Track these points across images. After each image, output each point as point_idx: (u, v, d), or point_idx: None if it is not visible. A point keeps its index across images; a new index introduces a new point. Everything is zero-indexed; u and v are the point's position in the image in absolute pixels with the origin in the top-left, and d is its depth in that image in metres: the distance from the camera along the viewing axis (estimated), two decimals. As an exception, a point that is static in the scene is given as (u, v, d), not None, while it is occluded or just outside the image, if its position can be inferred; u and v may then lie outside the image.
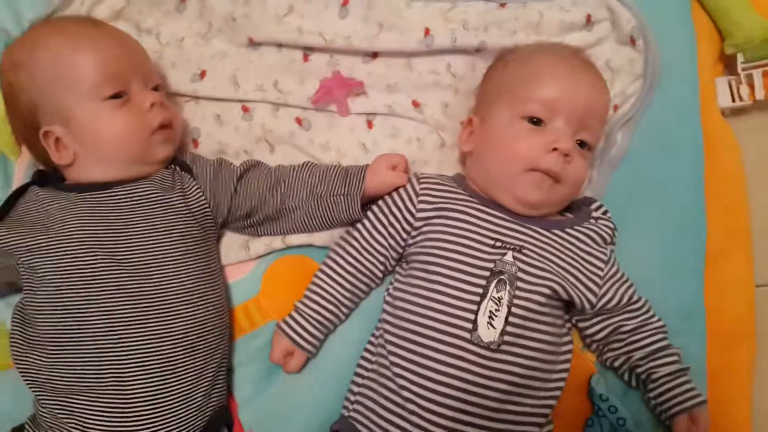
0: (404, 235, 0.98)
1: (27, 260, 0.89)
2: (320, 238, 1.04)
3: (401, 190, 0.99)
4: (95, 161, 0.94)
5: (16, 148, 1.03)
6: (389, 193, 1.00)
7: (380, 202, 1.00)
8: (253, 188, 1.00)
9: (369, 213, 1.01)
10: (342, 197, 0.99)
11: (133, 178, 0.95)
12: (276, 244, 1.05)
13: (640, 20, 1.08)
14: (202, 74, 1.10)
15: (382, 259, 0.99)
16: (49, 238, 0.89)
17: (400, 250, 0.99)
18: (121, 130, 0.92)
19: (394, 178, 0.99)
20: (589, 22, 1.09)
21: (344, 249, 1.00)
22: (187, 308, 0.91)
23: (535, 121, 0.93)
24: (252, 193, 1.00)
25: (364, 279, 1.00)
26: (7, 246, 0.89)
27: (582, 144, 0.95)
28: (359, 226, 1.00)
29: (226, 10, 1.09)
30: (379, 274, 1.01)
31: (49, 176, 0.98)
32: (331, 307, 0.98)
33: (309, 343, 0.98)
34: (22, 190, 0.97)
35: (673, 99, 1.09)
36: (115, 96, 0.92)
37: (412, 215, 0.97)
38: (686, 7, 1.12)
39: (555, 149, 0.91)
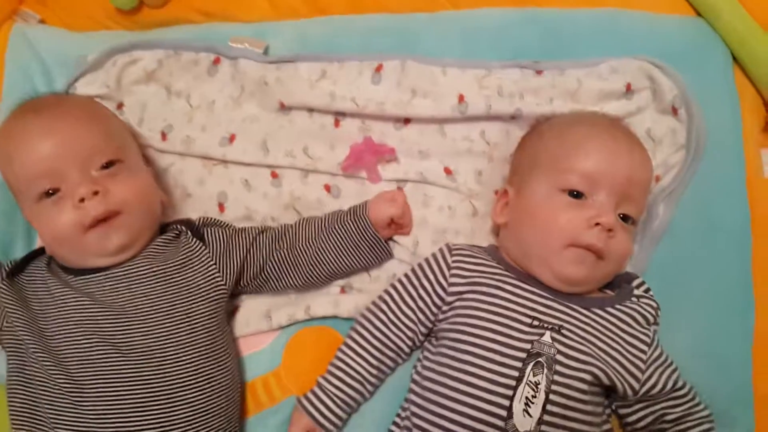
0: (434, 310, 0.93)
1: (20, 334, 0.87)
2: (345, 309, 1.01)
3: (432, 261, 0.96)
4: (59, 257, 0.93)
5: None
6: (419, 264, 0.97)
7: (409, 273, 0.97)
8: (263, 244, 0.98)
9: (397, 283, 0.97)
10: (349, 220, 0.98)
11: (118, 262, 0.91)
12: (299, 315, 1.02)
13: (682, 89, 1.04)
14: (232, 138, 1.09)
15: (410, 333, 0.95)
16: (46, 320, 0.87)
17: (430, 325, 0.95)
18: (53, 230, 0.88)
19: (391, 208, 0.99)
20: (629, 90, 1.06)
21: (370, 322, 0.95)
22: (190, 393, 0.87)
23: (576, 194, 0.89)
24: (262, 249, 0.98)
25: (391, 354, 0.95)
26: (10, 310, 0.88)
27: (625, 217, 0.90)
28: (386, 297, 0.96)
29: (258, 74, 1.09)
30: (407, 350, 0.96)
31: None
32: (355, 384, 0.93)
33: (331, 422, 0.93)
34: (35, 255, 0.96)
35: (718, 171, 1.05)
36: (50, 193, 0.87)
37: (444, 289, 0.93)
38: (729, 76, 1.09)
39: (597, 224, 0.86)
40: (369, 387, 0.95)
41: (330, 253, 0.98)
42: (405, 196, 1.03)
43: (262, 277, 0.99)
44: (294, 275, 0.99)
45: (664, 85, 1.05)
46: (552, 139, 0.96)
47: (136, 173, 0.96)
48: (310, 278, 1.00)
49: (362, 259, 1.00)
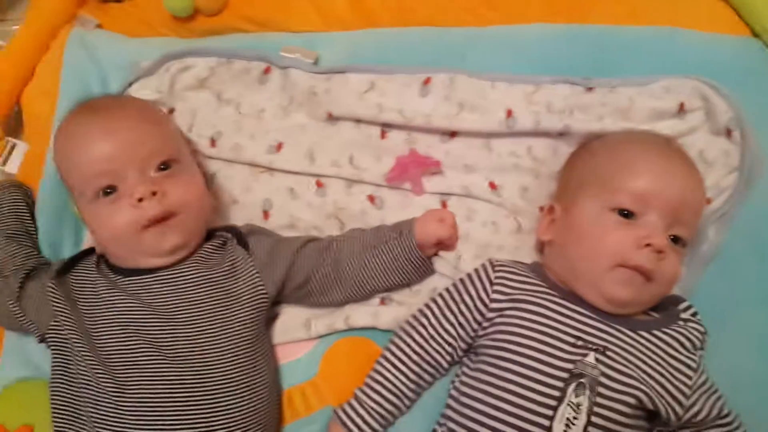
0: (475, 326, 0.92)
1: (67, 332, 0.89)
2: (384, 321, 1.00)
3: (474, 277, 0.95)
4: (113, 256, 0.94)
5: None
6: (461, 279, 0.96)
7: (451, 288, 0.96)
8: (308, 256, 0.98)
9: (438, 298, 0.96)
10: (395, 241, 0.97)
11: (170, 263, 0.92)
12: (338, 325, 1.01)
13: (737, 111, 1.02)
14: (279, 146, 1.10)
15: (449, 349, 0.94)
16: (92, 320, 0.88)
17: (470, 341, 0.94)
18: (111, 229, 0.89)
19: (439, 229, 0.98)
20: (681, 110, 1.04)
21: (410, 335, 0.95)
22: (230, 399, 0.87)
23: (626, 214, 0.87)
24: (306, 261, 0.98)
25: (430, 369, 0.94)
26: (57, 309, 0.90)
27: (676, 239, 0.88)
28: (427, 311, 0.95)
29: (308, 84, 1.10)
30: (446, 365, 0.95)
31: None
32: (393, 398, 0.93)
33: None
34: (85, 254, 0.98)
35: (773, 196, 1.02)
36: (108, 191, 0.89)
37: (485, 305, 0.92)
38: (786, 99, 1.06)
39: (648, 245, 0.84)
40: (406, 401, 0.94)
41: (374, 272, 0.98)
42: (454, 216, 1.02)
43: (305, 291, 0.99)
44: (336, 291, 0.99)
45: (719, 106, 1.02)
46: (604, 156, 0.94)
47: (192, 175, 0.97)
48: (352, 295, 1.00)
49: (405, 277, 1.00)
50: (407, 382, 0.93)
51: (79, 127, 0.93)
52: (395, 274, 0.99)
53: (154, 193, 0.88)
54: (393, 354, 0.94)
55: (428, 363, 0.94)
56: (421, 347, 0.93)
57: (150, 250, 0.91)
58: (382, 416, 0.92)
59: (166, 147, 0.94)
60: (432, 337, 0.94)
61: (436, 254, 1.03)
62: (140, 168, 0.90)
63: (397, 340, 0.96)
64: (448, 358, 0.94)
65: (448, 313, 0.94)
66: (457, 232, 1.03)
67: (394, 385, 0.93)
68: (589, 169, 0.95)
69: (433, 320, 0.94)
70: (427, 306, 0.96)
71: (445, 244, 1.02)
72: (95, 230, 0.92)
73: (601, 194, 0.90)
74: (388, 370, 0.93)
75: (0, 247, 1.01)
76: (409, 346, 0.94)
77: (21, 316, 0.94)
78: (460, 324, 0.93)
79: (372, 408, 0.92)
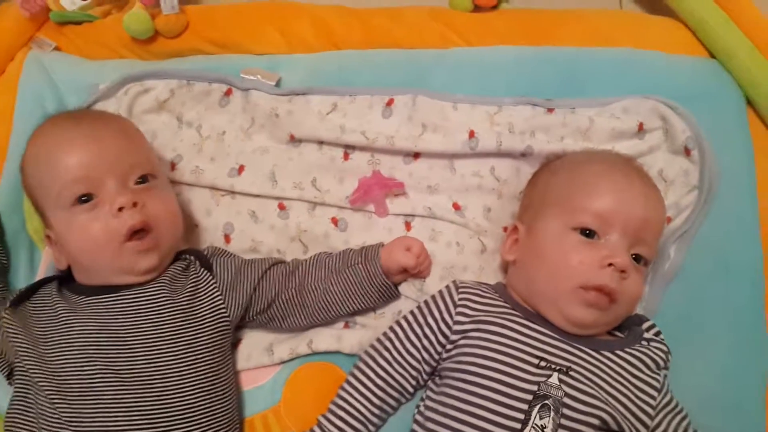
0: (439, 348, 0.91)
1: (24, 361, 0.86)
2: (348, 344, 0.99)
3: (438, 299, 0.94)
4: (82, 269, 0.92)
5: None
6: (425, 301, 0.95)
7: (415, 310, 0.95)
8: (272, 281, 0.97)
9: (402, 321, 0.95)
10: (360, 265, 0.96)
11: (138, 282, 0.90)
12: (301, 349, 0.99)
13: (695, 130, 1.03)
14: (240, 169, 1.09)
15: (414, 372, 0.92)
16: (48, 345, 0.85)
17: (434, 364, 0.92)
18: (86, 239, 0.87)
19: (403, 258, 0.96)
20: (641, 130, 1.06)
21: (374, 360, 0.93)
22: (188, 427, 0.85)
23: (588, 233, 0.88)
24: (270, 286, 0.96)
25: (394, 394, 0.93)
26: (12, 337, 0.87)
27: (638, 258, 0.89)
28: (391, 335, 0.94)
29: (270, 106, 1.09)
30: (411, 389, 0.94)
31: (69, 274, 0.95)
32: (357, 424, 0.91)
33: None
34: (44, 282, 0.94)
35: (731, 213, 1.03)
36: (84, 199, 0.87)
37: (449, 327, 0.91)
38: (743, 118, 1.08)
39: (610, 264, 0.85)
40: (371, 427, 0.92)
41: (338, 297, 0.97)
42: (422, 245, 1.00)
43: (268, 315, 0.98)
44: (300, 316, 0.98)
45: (677, 126, 1.04)
46: (565, 176, 0.95)
47: (168, 193, 0.97)
48: (315, 320, 0.99)
49: (370, 302, 0.99)
50: (372, 408, 0.91)
51: (61, 133, 0.90)
52: (359, 299, 0.97)
53: (134, 204, 0.87)
54: (357, 379, 0.93)
55: (393, 387, 0.92)
56: (386, 371, 0.92)
57: (125, 267, 0.89)
58: None
59: (146, 162, 0.93)
60: (396, 360, 0.92)
61: (404, 281, 1.02)
62: (121, 178, 0.88)
63: (361, 365, 0.94)
64: (413, 381, 0.93)
65: (412, 336, 0.93)
66: (426, 261, 1.01)
67: (358, 410, 0.91)
68: (551, 189, 0.95)
69: (397, 344, 0.93)
70: (391, 329, 0.95)
71: (411, 273, 1.01)
72: (68, 240, 0.88)
73: (563, 214, 0.90)
74: (352, 396, 0.92)
75: None
76: (373, 370, 0.92)
77: None
78: (424, 347, 0.92)
79: None
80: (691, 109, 1.05)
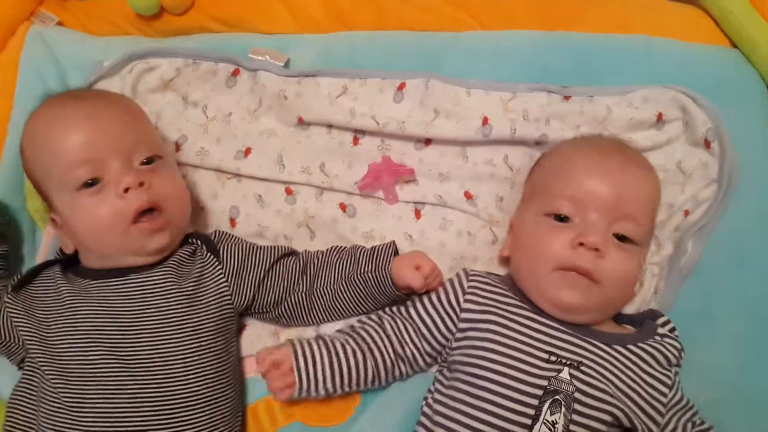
0: (444, 332, 0.90)
1: (27, 345, 0.85)
2: (355, 327, 0.97)
3: (447, 285, 0.93)
4: (89, 253, 0.90)
5: (45, 216, 1.00)
6: (435, 289, 0.93)
7: (423, 296, 0.93)
8: (282, 276, 0.95)
9: (408, 302, 0.94)
10: (371, 273, 0.92)
11: (145, 264, 0.89)
12: (308, 334, 0.98)
13: (716, 122, 1.01)
14: (247, 152, 1.07)
15: (411, 348, 0.92)
16: (52, 328, 0.84)
17: (437, 347, 0.91)
18: (94, 222, 0.85)
19: (413, 279, 0.89)
20: (660, 120, 1.03)
21: (373, 321, 0.94)
22: (192, 414, 0.84)
23: (562, 218, 0.87)
24: (280, 281, 0.94)
25: (386, 352, 0.91)
26: (16, 321, 0.86)
27: (622, 238, 0.86)
28: (394, 308, 0.95)
29: (278, 87, 1.06)
30: (407, 362, 0.92)
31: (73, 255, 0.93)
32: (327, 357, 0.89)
33: (309, 375, 0.87)
34: (47, 265, 0.92)
35: (751, 208, 1.00)
36: (90, 183, 0.84)
37: (456, 313, 0.90)
38: (765, 109, 1.05)
39: (581, 244, 0.83)
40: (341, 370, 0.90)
41: (347, 303, 0.95)
42: (433, 266, 0.92)
43: (275, 314, 0.96)
44: (308, 317, 0.96)
45: (697, 117, 1.01)
46: (544, 166, 0.95)
47: (174, 172, 0.95)
48: (324, 320, 0.98)
49: (379, 306, 0.97)
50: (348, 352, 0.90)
51: (59, 113, 0.88)
52: (369, 305, 0.95)
53: (141, 184, 0.85)
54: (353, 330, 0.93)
55: (382, 350, 0.91)
56: (379, 335, 0.92)
57: (134, 248, 0.87)
58: (331, 369, 0.89)
59: (151, 142, 0.92)
60: (396, 331, 0.92)
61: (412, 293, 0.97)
62: (125, 159, 0.86)
63: (357, 325, 0.94)
64: (408, 352, 0.92)
65: (414, 314, 0.92)
66: (435, 281, 0.93)
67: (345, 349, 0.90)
68: (533, 181, 0.96)
69: (398, 318, 0.93)
70: (396, 307, 0.95)
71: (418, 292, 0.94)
72: (75, 224, 0.86)
73: (536, 202, 0.91)
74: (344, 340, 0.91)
75: None
76: (369, 332, 0.92)
77: None
78: (426, 326, 0.91)
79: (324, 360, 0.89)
80: (712, 100, 1.02)
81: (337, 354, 0.89)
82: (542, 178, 0.94)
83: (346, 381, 0.89)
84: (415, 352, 0.91)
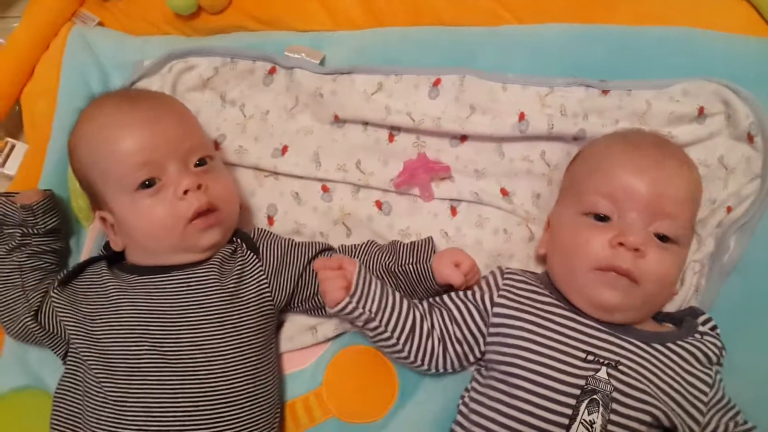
0: (477, 330, 0.90)
1: (72, 339, 0.87)
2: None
3: (482, 283, 0.93)
4: (139, 251, 0.92)
5: (90, 214, 1.02)
6: (471, 288, 0.93)
7: (460, 292, 0.94)
8: None
9: (444, 295, 0.94)
10: (412, 266, 0.92)
11: (192, 262, 0.90)
12: (346, 324, 0.98)
13: (759, 116, 0.98)
14: (284, 150, 1.08)
15: (442, 329, 0.91)
16: (96, 323, 0.86)
17: (471, 340, 0.91)
18: (151, 222, 0.87)
19: (452, 275, 0.91)
20: (701, 114, 1.00)
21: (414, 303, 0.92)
22: (232, 410, 0.85)
23: (601, 217, 0.85)
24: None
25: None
26: (62, 315, 0.88)
27: (663, 238, 0.84)
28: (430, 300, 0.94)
29: (314, 85, 1.07)
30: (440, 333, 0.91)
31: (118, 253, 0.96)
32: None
33: (363, 288, 0.86)
34: (93, 261, 0.95)
35: (795, 204, 0.98)
36: (147, 184, 0.87)
37: (487, 309, 0.89)
38: (810, 104, 1.02)
39: (621, 244, 0.82)
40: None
41: None
42: (472, 263, 0.93)
43: (314, 303, 0.97)
44: None
45: (740, 111, 0.98)
46: (580, 162, 0.93)
47: (225, 173, 0.97)
48: None
49: (418, 297, 0.96)
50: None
51: (118, 115, 0.90)
52: (408, 296, 0.95)
53: (199, 186, 0.87)
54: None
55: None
56: (421, 308, 0.91)
57: (188, 245, 0.89)
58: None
59: (204, 143, 0.95)
60: (432, 311, 0.92)
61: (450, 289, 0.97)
62: (182, 161, 0.89)
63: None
64: (437, 332, 0.91)
65: (449, 304, 0.92)
66: (474, 278, 0.94)
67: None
68: (573, 176, 0.94)
69: (434, 305, 0.93)
70: (433, 298, 0.95)
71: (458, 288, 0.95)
72: (132, 224, 0.89)
73: (575, 200, 0.89)
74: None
75: (25, 261, 0.97)
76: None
77: (40, 332, 0.91)
78: (460, 313, 0.91)
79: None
80: (755, 94, 0.99)
81: (388, 290, 0.89)
82: (579, 175, 0.92)
83: (387, 315, 0.87)
84: (444, 332, 0.91)
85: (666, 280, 0.86)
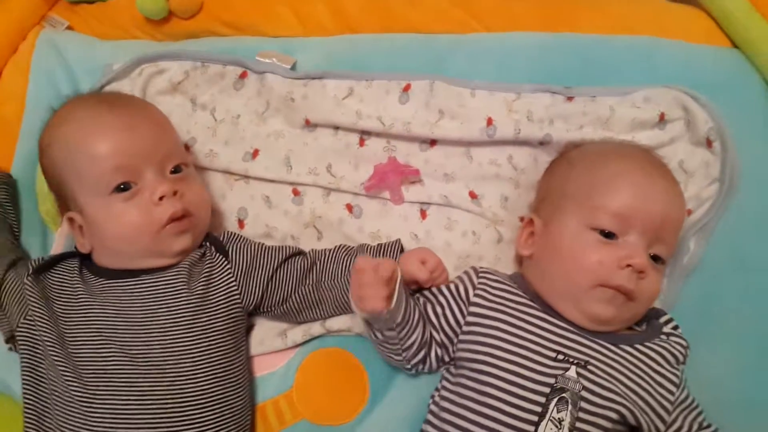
0: (455, 324, 0.91)
1: (42, 336, 0.86)
2: (360, 324, 0.96)
3: (458, 282, 0.94)
4: (108, 253, 0.91)
5: (58, 218, 1.01)
6: (446, 285, 0.95)
7: (434, 289, 0.95)
8: (290, 273, 0.96)
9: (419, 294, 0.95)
10: None
11: (161, 266, 0.90)
12: (315, 330, 0.99)
13: (717, 122, 1.01)
14: (255, 153, 1.08)
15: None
16: (67, 324, 0.86)
17: (445, 340, 0.92)
18: (125, 226, 0.87)
19: (418, 272, 0.93)
20: (662, 120, 1.03)
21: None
22: (202, 413, 0.85)
23: (607, 234, 0.86)
24: (288, 278, 0.96)
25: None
26: (33, 308, 0.87)
27: (656, 258, 0.88)
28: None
29: (285, 90, 1.07)
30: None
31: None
32: None
33: (400, 299, 0.86)
34: (66, 256, 0.94)
35: (753, 207, 1.01)
36: (122, 188, 0.87)
37: (464, 308, 0.91)
38: (765, 111, 1.05)
39: (629, 265, 0.84)
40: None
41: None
42: (438, 260, 0.96)
43: (283, 309, 0.97)
44: (316, 311, 0.97)
45: (699, 117, 1.01)
46: (583, 170, 0.93)
47: (199, 180, 0.98)
48: (331, 314, 0.98)
49: None
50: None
51: (95, 118, 0.90)
52: None
53: (174, 193, 0.88)
54: None
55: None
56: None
57: (160, 249, 0.89)
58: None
59: (179, 150, 0.96)
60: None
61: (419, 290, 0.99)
62: (159, 167, 0.89)
63: None
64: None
65: (429, 294, 0.94)
66: (441, 276, 0.97)
67: None
68: (569, 183, 0.94)
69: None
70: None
71: (425, 286, 0.97)
72: (104, 227, 0.88)
73: (582, 212, 0.89)
74: None
75: None
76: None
77: None
78: (441, 305, 0.92)
79: None
80: (714, 100, 1.02)
81: (411, 303, 0.90)
82: (579, 185, 0.92)
83: (406, 329, 0.88)
84: (431, 338, 0.92)
85: (655, 297, 0.90)
